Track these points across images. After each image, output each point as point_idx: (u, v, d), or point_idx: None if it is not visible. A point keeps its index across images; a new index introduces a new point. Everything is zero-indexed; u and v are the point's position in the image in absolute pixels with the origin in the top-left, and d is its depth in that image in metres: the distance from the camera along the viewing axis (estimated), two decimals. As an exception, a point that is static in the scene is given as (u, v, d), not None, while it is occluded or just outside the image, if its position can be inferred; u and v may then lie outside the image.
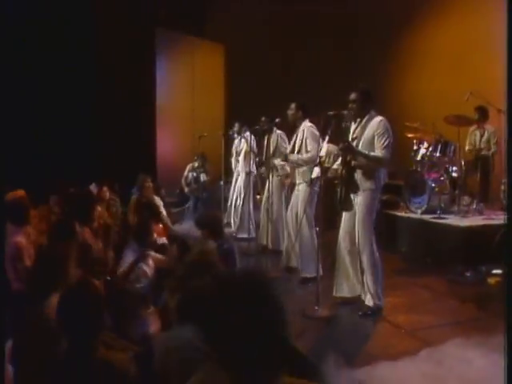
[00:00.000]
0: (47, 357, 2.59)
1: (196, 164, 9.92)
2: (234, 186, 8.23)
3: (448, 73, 8.33)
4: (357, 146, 4.52)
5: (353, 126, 4.64)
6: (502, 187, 6.14)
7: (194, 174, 9.84)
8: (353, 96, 4.56)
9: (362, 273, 4.57)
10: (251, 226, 7.51)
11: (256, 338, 1.42)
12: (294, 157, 5.64)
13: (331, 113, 4.58)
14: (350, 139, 4.56)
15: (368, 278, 4.52)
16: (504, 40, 7.13)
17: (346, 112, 4.58)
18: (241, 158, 7.97)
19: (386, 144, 4.38)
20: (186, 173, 9.93)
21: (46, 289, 2.81)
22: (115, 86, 9.34)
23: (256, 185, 8.27)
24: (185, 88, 10.74)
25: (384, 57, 8.94)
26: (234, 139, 8.45)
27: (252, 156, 7.63)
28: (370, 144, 4.45)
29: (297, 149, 5.67)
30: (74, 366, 2.19)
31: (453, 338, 3.56)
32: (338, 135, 4.69)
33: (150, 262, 4.32)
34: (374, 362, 3.25)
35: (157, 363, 2.28)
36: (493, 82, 7.35)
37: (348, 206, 4.55)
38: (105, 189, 7.15)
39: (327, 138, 4.66)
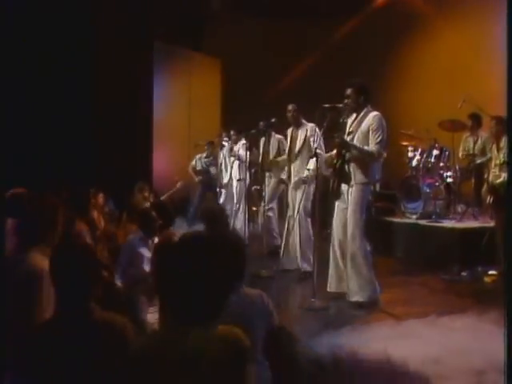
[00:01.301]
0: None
1: (205, 154, 9.48)
2: (228, 194, 8.21)
3: (442, 81, 8.46)
4: (352, 139, 4.60)
5: (349, 121, 4.71)
6: (485, 187, 6.21)
7: (204, 166, 9.44)
8: (348, 91, 4.65)
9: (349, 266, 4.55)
10: (246, 232, 7.46)
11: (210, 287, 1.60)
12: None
13: (326, 105, 4.65)
14: (346, 133, 4.64)
15: (354, 273, 4.49)
16: (498, 47, 7.26)
17: (341, 105, 4.64)
18: (235, 164, 7.96)
19: (379, 139, 4.48)
20: (193, 162, 9.59)
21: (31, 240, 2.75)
22: (113, 98, 9.40)
23: (250, 194, 8.25)
24: (181, 102, 10.82)
25: (380, 66, 9.08)
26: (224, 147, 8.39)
27: (246, 163, 7.56)
28: (365, 138, 4.54)
29: (298, 150, 5.76)
30: (68, 328, 2.08)
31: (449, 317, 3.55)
32: (333, 128, 4.74)
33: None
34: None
35: None
36: (486, 89, 7.51)
37: (338, 195, 4.60)
38: (101, 195, 7.15)
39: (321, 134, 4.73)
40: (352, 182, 4.54)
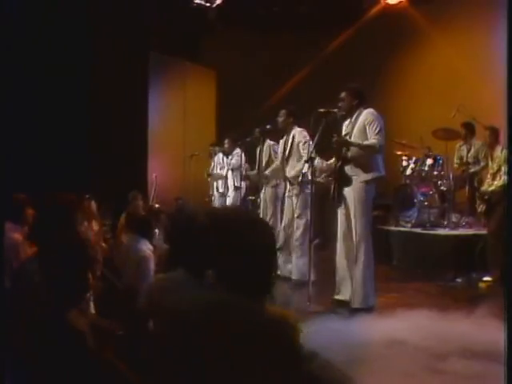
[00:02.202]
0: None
1: None
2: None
3: (436, 90, 8.55)
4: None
5: (345, 125, 4.73)
6: (477, 195, 6.25)
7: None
8: (342, 95, 4.69)
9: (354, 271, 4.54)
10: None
11: (253, 264, 1.55)
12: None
13: (321, 110, 4.67)
14: (342, 135, 4.66)
15: (359, 278, 4.49)
16: (491, 58, 7.35)
17: (336, 110, 4.67)
18: (229, 174, 7.97)
19: (378, 130, 4.46)
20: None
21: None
22: (108, 108, 9.41)
23: (246, 203, 8.23)
24: (176, 112, 10.84)
25: (375, 76, 9.15)
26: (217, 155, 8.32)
27: (241, 172, 7.52)
28: (362, 134, 4.52)
29: (287, 154, 5.77)
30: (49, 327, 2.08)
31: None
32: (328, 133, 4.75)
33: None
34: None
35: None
36: (479, 98, 7.60)
37: (340, 200, 4.59)
38: (93, 203, 7.11)
39: (316, 139, 4.74)
40: (354, 182, 4.51)
